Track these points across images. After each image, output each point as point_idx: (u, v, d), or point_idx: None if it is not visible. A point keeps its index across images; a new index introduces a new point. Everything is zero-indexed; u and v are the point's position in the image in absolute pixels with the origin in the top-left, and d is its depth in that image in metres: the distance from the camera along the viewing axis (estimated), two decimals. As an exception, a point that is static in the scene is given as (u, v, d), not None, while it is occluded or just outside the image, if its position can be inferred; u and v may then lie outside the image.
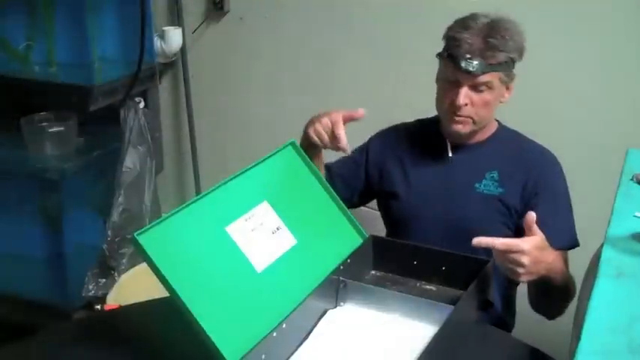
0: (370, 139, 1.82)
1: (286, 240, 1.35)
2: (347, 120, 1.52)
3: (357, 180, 1.78)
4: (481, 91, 1.54)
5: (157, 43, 2.69)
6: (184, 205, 1.22)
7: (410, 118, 1.82)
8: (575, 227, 1.64)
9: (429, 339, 1.18)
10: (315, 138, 1.54)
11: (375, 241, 1.51)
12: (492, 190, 1.62)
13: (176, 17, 2.75)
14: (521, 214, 1.58)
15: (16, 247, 2.58)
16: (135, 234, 1.12)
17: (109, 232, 2.51)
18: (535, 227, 1.33)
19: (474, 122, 1.59)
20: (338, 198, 1.49)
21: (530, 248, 1.30)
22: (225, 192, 1.30)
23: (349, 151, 1.54)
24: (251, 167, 1.37)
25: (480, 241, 1.30)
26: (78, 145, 2.57)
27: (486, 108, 1.57)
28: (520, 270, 1.31)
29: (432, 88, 1.63)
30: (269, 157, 1.42)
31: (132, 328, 1.42)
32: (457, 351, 1.27)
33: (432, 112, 1.70)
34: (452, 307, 1.27)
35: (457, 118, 1.58)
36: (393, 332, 1.30)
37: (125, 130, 2.56)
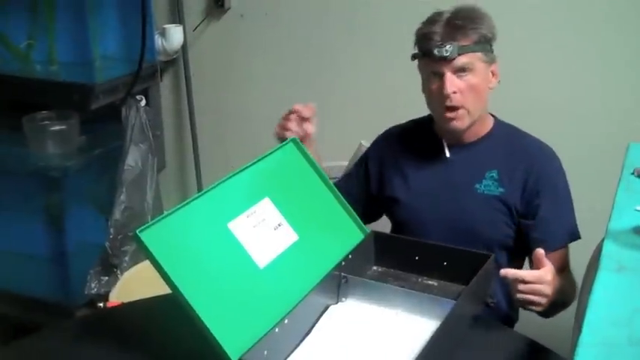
0: (367, 150, 1.82)
1: (288, 236, 1.35)
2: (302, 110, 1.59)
3: (362, 193, 1.76)
4: (464, 76, 1.53)
5: (158, 41, 2.68)
6: (186, 201, 1.23)
7: (411, 114, 1.81)
8: (576, 219, 1.63)
9: (431, 334, 1.18)
10: (283, 131, 1.59)
11: (377, 236, 1.51)
12: (493, 190, 1.60)
13: (177, 15, 2.74)
14: (522, 213, 1.60)
15: (19, 245, 2.59)
16: (137, 231, 1.13)
17: (112, 230, 2.51)
18: (545, 259, 1.35)
19: (469, 113, 1.56)
20: (339, 194, 1.49)
21: (552, 279, 1.34)
22: (226, 189, 1.30)
23: (313, 128, 1.59)
24: (252, 164, 1.37)
25: (506, 272, 1.33)
26: (80, 144, 2.57)
27: (475, 93, 1.55)
28: (543, 301, 1.34)
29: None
30: (270, 153, 1.42)
31: (135, 326, 1.42)
32: (459, 346, 1.28)
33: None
34: (454, 302, 1.28)
35: (451, 114, 1.55)
36: (394, 327, 1.30)
37: (127, 128, 2.56)
